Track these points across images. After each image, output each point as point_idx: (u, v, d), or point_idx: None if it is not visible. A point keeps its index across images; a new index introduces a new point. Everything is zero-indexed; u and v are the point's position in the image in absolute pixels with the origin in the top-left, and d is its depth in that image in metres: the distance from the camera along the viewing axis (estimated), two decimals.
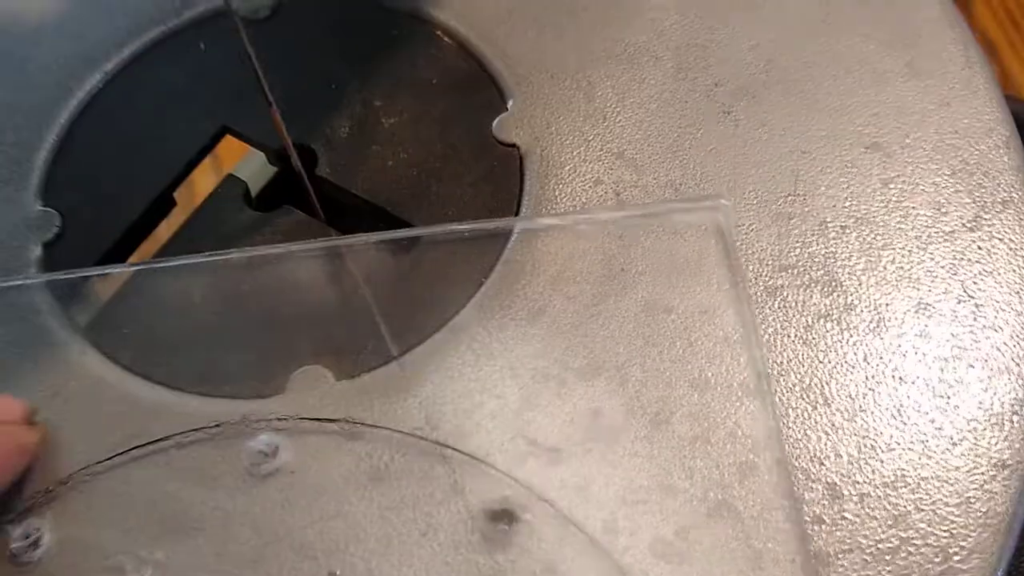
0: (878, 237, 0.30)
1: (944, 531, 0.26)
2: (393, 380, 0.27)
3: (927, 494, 0.26)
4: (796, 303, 0.29)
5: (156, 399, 0.27)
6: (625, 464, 0.26)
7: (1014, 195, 0.30)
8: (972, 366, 0.28)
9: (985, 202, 0.30)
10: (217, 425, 0.26)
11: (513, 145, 0.32)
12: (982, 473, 0.26)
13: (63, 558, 0.25)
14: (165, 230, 0.32)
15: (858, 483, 0.26)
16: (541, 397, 0.27)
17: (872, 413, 0.27)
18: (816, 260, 0.29)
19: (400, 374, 0.27)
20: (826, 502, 0.26)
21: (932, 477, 0.26)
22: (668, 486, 0.26)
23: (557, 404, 0.27)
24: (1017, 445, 0.27)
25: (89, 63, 0.33)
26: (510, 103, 0.32)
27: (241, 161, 0.34)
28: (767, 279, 0.29)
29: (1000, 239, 0.30)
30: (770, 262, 0.29)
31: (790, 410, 0.27)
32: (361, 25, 0.34)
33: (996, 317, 0.28)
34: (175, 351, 0.29)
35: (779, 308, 0.28)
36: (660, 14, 0.34)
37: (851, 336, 0.28)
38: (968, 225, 0.30)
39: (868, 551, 0.25)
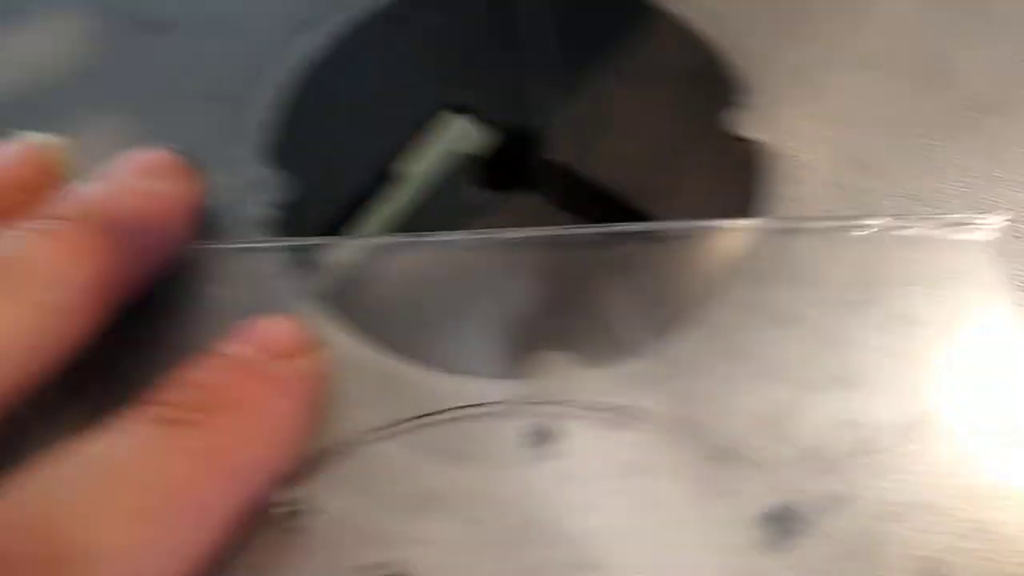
0: None
1: None
2: (650, 373, 0.26)
3: None
4: None
5: (404, 375, 0.26)
6: (886, 478, 0.26)
7: None
8: None
9: None
10: (496, 403, 0.25)
11: (751, 141, 0.31)
12: None
13: (325, 530, 0.24)
14: (390, 205, 0.31)
15: None
16: (799, 402, 0.26)
17: None
18: None
19: (656, 368, 0.27)
20: None
21: None
22: (928, 504, 0.25)
23: (815, 411, 0.26)
24: None
25: (312, 26, 0.32)
26: (749, 99, 0.31)
27: (464, 138, 0.33)
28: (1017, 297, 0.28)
29: None
30: (1019, 280, 0.28)
31: None
32: (595, 8, 0.33)
33: None
34: (414, 327, 0.27)
35: None
36: (900, 25, 0.33)
37: None
38: None
39: None
